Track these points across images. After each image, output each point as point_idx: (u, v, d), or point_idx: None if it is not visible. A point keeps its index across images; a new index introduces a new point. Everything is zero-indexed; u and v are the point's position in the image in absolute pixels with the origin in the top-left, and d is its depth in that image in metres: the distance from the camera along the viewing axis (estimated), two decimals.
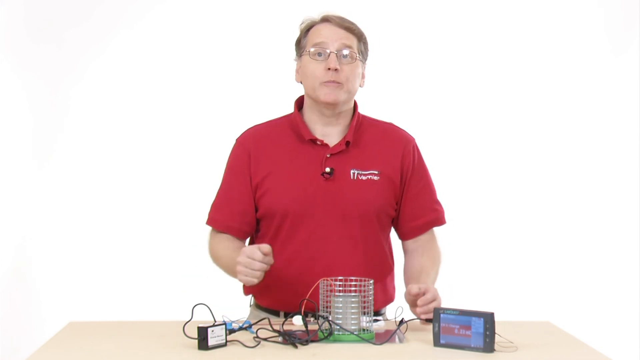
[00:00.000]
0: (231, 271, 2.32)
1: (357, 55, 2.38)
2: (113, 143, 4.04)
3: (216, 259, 2.46)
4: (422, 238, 2.48)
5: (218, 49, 4.05)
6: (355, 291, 2.12)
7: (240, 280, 2.26)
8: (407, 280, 2.43)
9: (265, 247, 2.20)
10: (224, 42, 4.05)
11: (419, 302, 2.20)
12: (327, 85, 2.35)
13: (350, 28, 2.39)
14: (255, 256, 2.18)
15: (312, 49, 2.38)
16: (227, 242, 2.44)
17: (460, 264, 3.94)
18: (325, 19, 2.40)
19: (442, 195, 2.56)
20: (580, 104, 4.17)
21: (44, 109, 4.01)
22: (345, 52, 2.36)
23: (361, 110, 2.49)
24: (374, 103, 2.64)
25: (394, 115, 2.62)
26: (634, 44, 4.15)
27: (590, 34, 4.15)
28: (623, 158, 4.17)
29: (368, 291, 2.14)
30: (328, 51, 2.35)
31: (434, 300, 2.20)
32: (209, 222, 2.49)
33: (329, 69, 2.34)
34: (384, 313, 2.49)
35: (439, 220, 2.51)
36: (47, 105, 4.01)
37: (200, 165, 3.91)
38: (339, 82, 2.35)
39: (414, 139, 2.51)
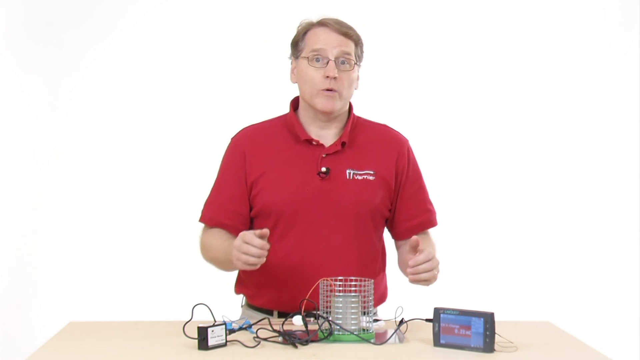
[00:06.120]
0: (224, 261, 2.28)
1: (355, 61, 2.39)
2: (113, 143, 4.04)
3: (208, 250, 2.41)
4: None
5: (216, 48, 4.05)
6: (355, 291, 2.12)
7: (236, 266, 2.21)
8: (404, 265, 2.38)
9: (263, 230, 2.16)
10: (222, 42, 4.05)
11: (411, 262, 2.18)
12: (325, 94, 2.36)
13: (348, 34, 2.38)
14: (255, 242, 2.14)
15: (310, 54, 2.37)
16: (220, 235, 2.40)
17: (461, 264, 3.94)
18: (323, 24, 2.39)
19: (440, 195, 2.57)
20: (581, 104, 4.17)
21: (44, 109, 4.01)
22: (344, 59, 2.36)
23: (355, 111, 2.49)
24: (367, 104, 2.64)
25: (387, 116, 2.62)
26: (634, 44, 4.15)
27: (591, 34, 4.15)
28: (623, 157, 4.16)
29: (368, 291, 2.14)
30: (327, 59, 2.35)
31: (427, 260, 2.17)
32: (202, 219, 2.47)
33: (328, 77, 2.34)
34: (376, 312, 2.47)
35: (431, 222, 2.51)
36: (47, 105, 4.01)
37: (200, 166, 3.89)
38: (336, 91, 2.35)
39: (407, 141, 2.52)
